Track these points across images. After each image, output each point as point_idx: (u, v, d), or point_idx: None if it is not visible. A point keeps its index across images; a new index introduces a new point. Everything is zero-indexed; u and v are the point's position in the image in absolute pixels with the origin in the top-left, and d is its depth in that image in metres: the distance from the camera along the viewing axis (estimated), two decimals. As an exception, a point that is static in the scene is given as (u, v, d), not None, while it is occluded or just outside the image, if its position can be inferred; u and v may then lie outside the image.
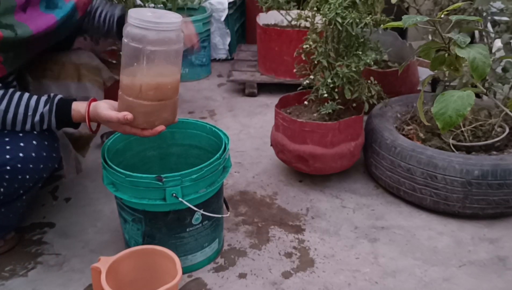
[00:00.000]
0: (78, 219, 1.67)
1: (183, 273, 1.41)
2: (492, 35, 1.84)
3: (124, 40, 1.17)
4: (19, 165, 1.27)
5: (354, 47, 1.72)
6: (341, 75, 1.68)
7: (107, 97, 1.92)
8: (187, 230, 1.39)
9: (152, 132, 1.25)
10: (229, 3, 3.02)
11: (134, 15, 1.15)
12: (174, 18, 1.19)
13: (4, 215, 1.39)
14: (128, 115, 1.20)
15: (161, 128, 1.25)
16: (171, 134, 1.60)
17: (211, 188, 1.36)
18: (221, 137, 1.47)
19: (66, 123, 1.31)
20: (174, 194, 1.29)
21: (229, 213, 1.53)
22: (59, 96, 1.31)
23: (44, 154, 1.30)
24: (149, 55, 1.16)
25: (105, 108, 1.25)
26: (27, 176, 1.30)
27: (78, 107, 1.29)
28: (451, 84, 1.86)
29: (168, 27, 1.16)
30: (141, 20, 1.14)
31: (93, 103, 1.28)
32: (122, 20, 1.59)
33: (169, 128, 1.58)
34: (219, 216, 1.45)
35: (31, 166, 1.29)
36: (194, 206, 1.33)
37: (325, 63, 1.73)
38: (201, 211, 1.36)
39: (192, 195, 1.32)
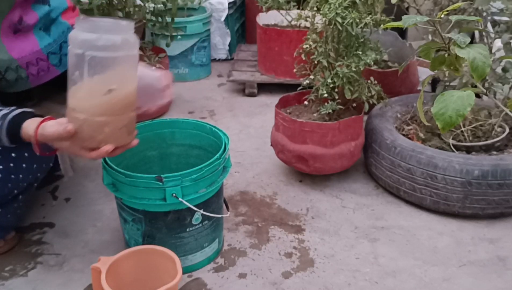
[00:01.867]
0: (78, 219, 1.67)
1: (183, 273, 1.40)
2: (492, 35, 1.84)
3: (68, 47, 1.08)
4: (11, 165, 1.26)
5: (354, 47, 1.72)
6: (341, 75, 1.68)
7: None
8: (187, 230, 1.39)
9: (98, 153, 1.12)
10: (229, 3, 3.02)
11: (79, 21, 1.06)
12: (123, 24, 1.09)
13: (2, 215, 1.39)
14: (68, 126, 1.08)
15: (108, 147, 1.11)
16: (171, 134, 1.59)
17: (211, 188, 1.35)
18: (221, 137, 1.47)
19: (20, 142, 1.19)
20: (174, 194, 1.29)
21: (229, 213, 1.53)
22: (16, 112, 1.19)
23: (38, 153, 1.29)
24: (90, 61, 1.05)
25: (51, 125, 1.12)
26: (21, 176, 1.29)
27: (28, 128, 1.15)
28: (451, 84, 1.86)
29: (112, 30, 1.06)
30: (83, 23, 1.05)
31: (43, 124, 1.15)
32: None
33: (169, 128, 1.57)
34: (219, 216, 1.45)
35: (24, 165, 1.28)
36: (194, 206, 1.33)
37: (325, 63, 1.73)
38: (201, 211, 1.36)
39: (192, 195, 1.32)
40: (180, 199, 1.30)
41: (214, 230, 1.45)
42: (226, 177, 1.42)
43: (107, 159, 1.37)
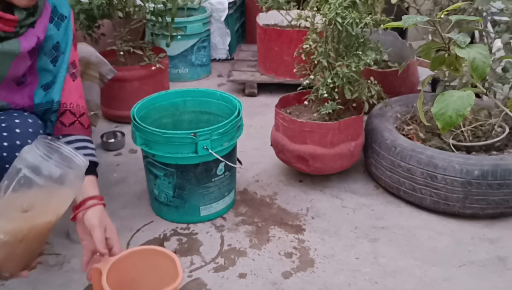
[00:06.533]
0: (78, 219, 1.67)
1: (210, 219, 1.66)
2: (492, 35, 1.84)
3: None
4: (16, 154, 1.26)
5: (354, 47, 1.72)
6: (341, 75, 1.68)
7: (105, 93, 1.92)
8: (213, 180, 1.60)
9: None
10: (229, 3, 3.02)
11: (39, 139, 1.06)
12: (77, 160, 1.08)
13: None
14: None
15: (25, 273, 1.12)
16: (183, 102, 1.80)
17: (232, 141, 1.59)
18: (232, 101, 1.69)
19: None
20: (205, 147, 1.49)
21: (242, 166, 1.76)
22: None
23: None
24: (20, 179, 1.03)
25: None
26: None
27: None
28: (451, 84, 1.86)
29: (61, 162, 1.04)
30: (40, 145, 1.05)
31: None
32: None
33: (181, 97, 1.80)
34: (238, 166, 1.71)
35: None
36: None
37: (325, 63, 1.73)
38: (226, 161, 1.56)
39: (218, 147, 1.53)
40: (210, 151, 1.50)
41: (232, 181, 1.69)
42: (241, 135, 1.65)
43: (139, 121, 1.54)
